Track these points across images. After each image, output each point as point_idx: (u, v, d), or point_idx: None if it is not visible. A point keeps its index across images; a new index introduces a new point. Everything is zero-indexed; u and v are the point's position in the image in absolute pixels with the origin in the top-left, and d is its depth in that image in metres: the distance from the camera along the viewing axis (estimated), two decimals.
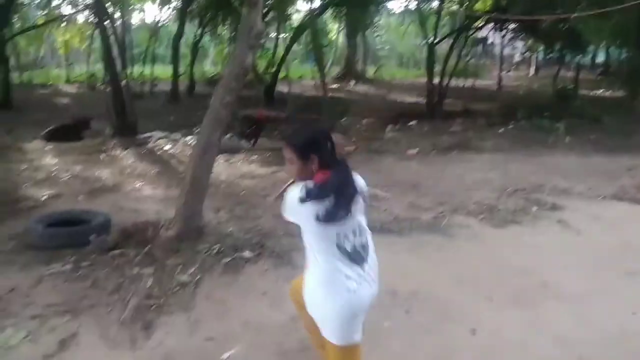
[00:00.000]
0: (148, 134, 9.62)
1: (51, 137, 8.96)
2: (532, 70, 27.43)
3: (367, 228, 1.97)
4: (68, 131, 9.29)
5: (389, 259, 3.83)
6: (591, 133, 9.62)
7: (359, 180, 1.99)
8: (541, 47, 22.18)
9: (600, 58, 28.64)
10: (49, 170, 6.82)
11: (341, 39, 27.39)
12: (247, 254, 3.90)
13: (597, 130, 9.96)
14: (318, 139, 1.92)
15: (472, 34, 17.70)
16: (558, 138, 9.05)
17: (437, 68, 15.28)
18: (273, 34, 19.65)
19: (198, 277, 3.52)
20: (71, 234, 4.07)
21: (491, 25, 17.66)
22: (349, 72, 24.44)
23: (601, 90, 17.98)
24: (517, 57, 33.28)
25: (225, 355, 2.68)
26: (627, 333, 2.88)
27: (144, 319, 2.98)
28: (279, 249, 3.98)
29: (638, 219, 4.84)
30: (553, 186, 5.86)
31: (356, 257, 1.88)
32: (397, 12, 28.82)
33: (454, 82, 16.56)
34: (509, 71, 25.28)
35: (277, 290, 3.36)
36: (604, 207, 5.16)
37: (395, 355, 2.69)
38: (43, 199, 5.45)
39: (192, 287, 3.39)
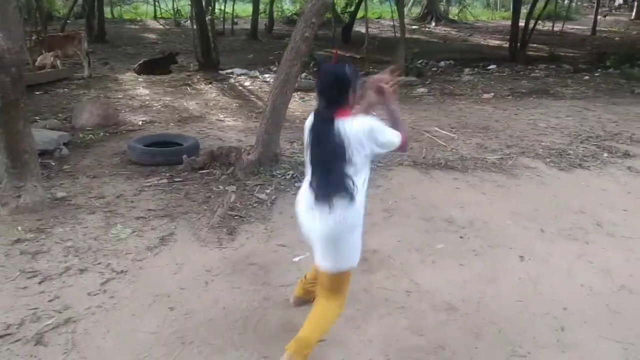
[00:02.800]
0: (229, 70, 10.13)
1: (142, 69, 9.69)
2: (633, 15, 25.00)
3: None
4: (157, 65, 9.98)
5: (449, 192, 4.11)
6: None
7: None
8: None
9: None
10: (143, 100, 7.50)
11: None
12: None
13: None
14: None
15: None
16: None
17: (526, 10, 14.47)
18: None
19: (274, 196, 3.95)
20: (166, 154, 4.63)
21: None
22: (431, 12, 23.54)
23: None
24: (618, 0, 30.38)
25: (296, 258, 3.10)
26: None
27: (228, 225, 3.47)
28: None
29: None
30: (630, 135, 5.71)
31: None
32: None
33: (545, 26, 15.64)
34: (606, 15, 23.22)
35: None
36: None
37: (444, 270, 3.00)
38: (140, 123, 6.10)
39: (268, 203, 3.83)
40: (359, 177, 2.01)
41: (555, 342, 2.41)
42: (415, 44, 13.63)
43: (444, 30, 20.54)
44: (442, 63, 11.73)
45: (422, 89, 8.73)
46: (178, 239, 3.30)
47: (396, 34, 11.44)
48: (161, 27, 19.30)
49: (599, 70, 10.63)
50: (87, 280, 2.80)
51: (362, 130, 1.95)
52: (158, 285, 2.78)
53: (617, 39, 17.41)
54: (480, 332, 2.47)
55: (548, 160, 4.83)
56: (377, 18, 22.24)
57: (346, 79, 1.99)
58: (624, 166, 4.70)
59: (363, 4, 15.26)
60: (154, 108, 6.99)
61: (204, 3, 10.47)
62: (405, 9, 18.81)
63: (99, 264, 2.97)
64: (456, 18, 24.44)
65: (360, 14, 16.72)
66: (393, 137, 2.06)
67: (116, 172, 4.45)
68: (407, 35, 13.27)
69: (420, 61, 11.53)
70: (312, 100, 7.81)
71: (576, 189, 4.21)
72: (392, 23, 17.34)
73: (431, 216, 3.67)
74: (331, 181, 1.97)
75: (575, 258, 3.12)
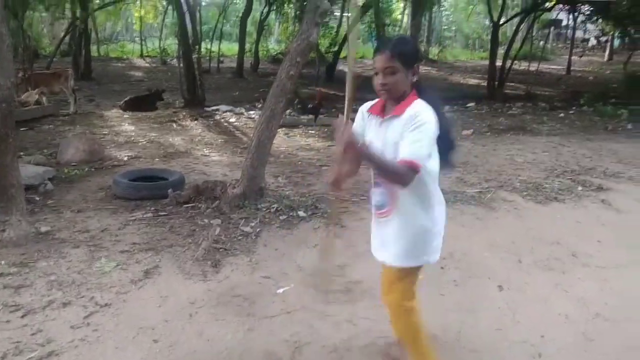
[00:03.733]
0: (215, 107, 10.30)
1: (128, 106, 9.80)
2: (606, 56, 26.09)
3: None
4: (143, 101, 10.11)
5: None
6: None
7: None
8: (617, 31, 21.11)
9: None
10: (128, 135, 7.58)
11: (406, 19, 27.14)
12: (301, 213, 4.34)
13: None
14: (419, 49, 2.13)
15: (540, 15, 17.21)
16: (619, 124, 8.89)
17: (503, 50, 15.04)
18: (337, 13, 19.86)
19: (259, 229, 4.01)
20: (151, 188, 4.68)
21: (565, 6, 17.06)
22: None
23: None
24: (592, 41, 31.68)
25: (280, 290, 3.15)
26: None
27: (213, 258, 3.50)
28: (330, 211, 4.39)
29: None
30: (603, 170, 5.92)
31: None
32: None
33: (522, 65, 16.23)
34: (581, 56, 24.19)
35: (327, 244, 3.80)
36: None
37: (425, 302, 3.05)
38: (125, 159, 6.15)
39: (253, 236, 3.88)
40: None
41: None
42: None
43: (425, 70, 21.12)
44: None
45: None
46: (162, 272, 3.32)
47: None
48: (147, 65, 19.58)
49: (574, 108, 11.04)
50: (70, 314, 2.80)
51: None
52: (142, 317, 2.79)
53: (590, 78, 18.11)
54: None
55: (525, 193, 4.98)
56: (360, 57, 22.83)
57: None
58: (598, 199, 4.87)
59: (346, 43, 15.71)
60: (140, 144, 7.06)
61: (190, 42, 10.71)
62: None
63: (82, 297, 2.97)
64: (436, 58, 25.22)
65: (343, 53, 17.19)
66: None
67: (101, 206, 4.48)
68: None
69: None
70: (297, 136, 7.97)
71: (552, 221, 4.35)
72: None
73: None
74: None
75: (552, 288, 3.22)
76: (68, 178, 5.25)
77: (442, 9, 29.05)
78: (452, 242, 3.84)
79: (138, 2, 22.72)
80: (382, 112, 2.06)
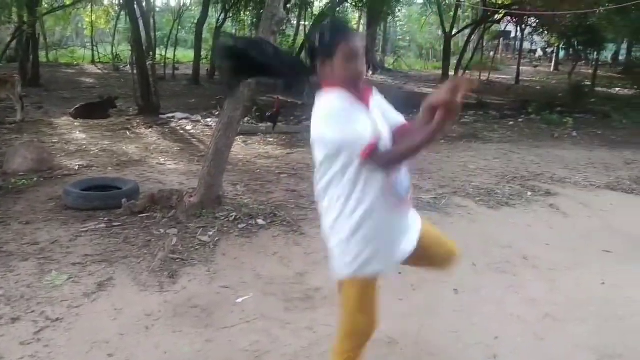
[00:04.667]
0: (170, 115, 10.11)
1: (79, 113, 9.48)
2: (552, 66, 27.32)
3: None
4: (95, 109, 9.80)
5: None
6: (599, 128, 9.87)
7: None
8: (561, 43, 22.18)
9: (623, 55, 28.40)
10: (79, 144, 7.33)
11: (361, 29, 27.57)
12: (260, 221, 4.33)
13: (605, 126, 10.20)
14: None
15: (490, 27, 17.86)
16: (565, 132, 9.32)
17: (455, 60, 15.51)
18: (294, 21, 19.96)
19: (217, 238, 3.96)
20: (104, 198, 4.54)
21: (513, 19, 17.79)
22: (368, 62, 24.58)
23: (619, 88, 17.98)
24: (538, 53, 33.11)
25: (240, 299, 3.12)
26: (593, 299, 3.25)
27: (170, 269, 3.43)
28: (290, 219, 4.39)
29: (625, 206, 5.17)
30: (551, 175, 6.18)
31: None
32: (418, 3, 28.95)
33: (473, 75, 16.75)
34: (536, 66, 25.24)
35: (287, 251, 3.80)
36: (596, 195, 5.48)
37: (384, 305, 3.10)
38: (76, 168, 5.95)
39: (211, 246, 3.83)
40: None
41: None
42: None
43: (381, 79, 21.49)
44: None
45: None
46: (117, 284, 3.23)
47: None
48: (99, 71, 19.04)
49: (523, 116, 11.48)
50: (19, 330, 2.68)
51: None
52: (96, 331, 2.70)
53: (538, 87, 18.89)
54: None
55: (478, 199, 5.14)
56: None
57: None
58: (546, 204, 5.08)
59: (304, 51, 15.80)
60: (92, 152, 6.85)
61: (144, 48, 10.50)
62: None
63: (32, 312, 2.85)
64: (392, 67, 25.71)
65: None
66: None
67: (51, 217, 4.31)
68: None
69: None
70: (255, 144, 7.94)
71: (503, 225, 4.50)
72: None
73: None
74: None
75: (504, 290, 3.33)
76: (15, 188, 5.02)
77: (397, 19, 29.70)
78: None
79: (89, 7, 22.09)
80: (358, 100, 1.82)
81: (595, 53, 18.78)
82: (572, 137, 9.17)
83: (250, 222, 4.30)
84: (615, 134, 9.46)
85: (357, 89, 1.82)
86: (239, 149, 7.32)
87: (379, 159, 1.70)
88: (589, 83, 16.56)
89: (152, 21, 11.21)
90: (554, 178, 6.08)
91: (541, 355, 2.66)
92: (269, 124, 8.95)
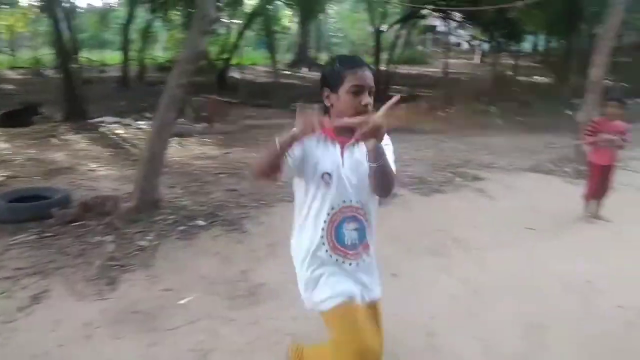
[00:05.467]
0: (99, 119, 9.76)
1: (0, 122, 8.96)
2: (477, 58, 28.55)
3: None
4: (17, 117, 9.30)
5: None
6: (521, 115, 10.50)
7: None
8: (485, 36, 23.22)
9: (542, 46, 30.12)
10: (2, 154, 6.94)
11: (294, 26, 27.66)
12: (200, 222, 4.30)
13: (526, 113, 10.85)
14: None
15: (417, 23, 18.45)
16: (491, 120, 9.85)
17: (387, 55, 15.91)
18: (226, 20, 19.72)
19: (156, 242, 3.90)
20: (33, 208, 4.34)
21: (440, 14, 18.45)
22: (302, 58, 24.83)
23: (538, 77, 19.10)
24: (464, 45, 34.48)
25: (183, 301, 3.11)
26: (519, 275, 3.51)
27: (108, 276, 3.36)
28: (231, 218, 4.39)
29: (545, 186, 5.57)
30: (479, 161, 6.54)
31: None
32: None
33: (405, 70, 17.29)
34: (470, 59, 26.24)
35: (229, 251, 3.81)
36: (519, 177, 5.87)
37: None
38: (0, 179, 5.64)
39: (150, 250, 3.77)
40: None
41: (426, 346, 2.70)
42: (290, 88, 14.25)
43: (315, 75, 21.71)
44: (316, 105, 12.38)
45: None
46: (53, 295, 3.12)
47: (270, 79, 11.91)
48: (20, 77, 17.99)
49: (453, 107, 11.99)
50: None
51: None
52: (34, 345, 2.62)
53: (464, 78, 19.71)
54: None
55: (412, 187, 5.35)
56: (251, 64, 22.86)
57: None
58: (474, 188, 5.38)
59: (237, 50, 15.69)
60: (16, 162, 6.50)
61: (68, 50, 10.05)
62: (278, 56, 19.62)
63: None
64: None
65: (234, 60, 17.13)
66: None
67: None
68: (282, 80, 13.89)
69: (295, 104, 12.08)
70: (191, 145, 7.83)
71: (435, 210, 4.73)
72: (265, 69, 17.96)
73: None
74: None
75: (439, 271, 3.52)
76: None
77: (329, 16, 30.03)
78: None
79: (6, 10, 20.79)
80: (335, 135, 1.83)
81: (516, 44, 19.79)
82: (497, 124, 9.71)
83: (189, 223, 4.26)
84: (536, 120, 10.10)
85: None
86: (175, 150, 7.19)
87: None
88: (511, 73, 17.48)
89: (74, 23, 10.72)
90: (481, 164, 6.44)
91: (473, 330, 2.85)
92: (205, 124, 8.85)
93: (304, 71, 23.00)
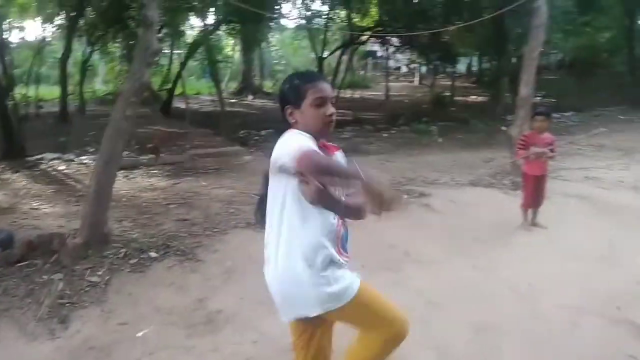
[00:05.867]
0: (39, 156, 9.41)
1: None
2: (416, 80, 29.69)
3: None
4: None
5: None
6: (460, 133, 11.02)
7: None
8: (422, 60, 24.25)
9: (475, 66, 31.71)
10: None
11: (237, 55, 27.83)
12: (152, 254, 4.24)
13: (465, 131, 11.40)
14: None
15: (357, 48, 19.07)
16: (432, 139, 10.28)
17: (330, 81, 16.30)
18: (167, 50, 19.61)
19: (108, 277, 3.82)
20: None
21: (378, 40, 19.14)
22: (247, 86, 24.95)
23: (474, 96, 20.11)
24: (403, 69, 35.79)
25: (140, 333, 3.06)
26: (468, 282, 3.69)
27: (59, 314, 3.26)
28: (183, 248, 4.36)
29: (486, 199, 5.87)
30: (423, 178, 6.82)
31: None
32: (290, 28, 29.90)
33: (347, 94, 17.73)
34: (411, 81, 27.17)
35: (183, 280, 3.79)
36: (461, 192, 6.16)
37: None
38: None
39: (102, 285, 3.69)
40: None
41: None
42: (236, 116, 14.29)
43: (261, 102, 21.86)
44: (263, 132, 12.49)
45: (247, 157, 9.19)
46: (2, 338, 3.01)
47: (216, 108, 11.92)
48: None
49: (395, 128, 12.42)
50: None
51: None
52: None
53: (406, 101, 20.44)
54: None
55: None
56: (195, 94, 22.72)
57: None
58: (422, 204, 5.60)
59: (180, 80, 15.60)
60: None
61: (2, 86, 9.71)
62: (223, 84, 19.66)
63: None
64: (270, 91, 26.23)
65: (178, 90, 17.01)
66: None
67: None
68: (228, 109, 13.90)
69: (243, 131, 12.15)
70: (138, 178, 7.70)
71: (385, 227, 4.86)
72: (210, 98, 17.93)
73: None
74: None
75: (392, 284, 3.63)
76: None
77: (271, 44, 30.42)
78: None
79: None
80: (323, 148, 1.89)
81: (451, 66, 20.78)
82: (438, 143, 10.14)
83: (141, 256, 4.20)
84: (474, 137, 10.62)
85: (325, 137, 1.88)
86: (121, 183, 7.05)
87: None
88: (448, 94, 18.31)
89: (8, 58, 10.39)
90: (426, 181, 6.71)
91: (427, 338, 2.97)
92: (151, 155, 8.73)
93: (250, 99, 23.12)
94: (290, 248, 1.83)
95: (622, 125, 12.20)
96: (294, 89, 1.82)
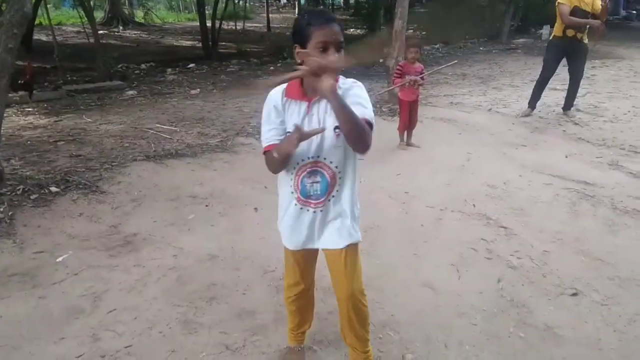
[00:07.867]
0: None
1: None
2: (296, 12, 29.57)
3: None
4: None
5: (186, 175, 4.68)
6: None
7: None
8: None
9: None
10: None
11: None
12: (53, 188, 4.24)
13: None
14: None
15: None
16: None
17: (209, 11, 15.76)
18: None
19: (10, 212, 3.80)
20: None
21: None
22: (116, 16, 23.09)
23: (352, 29, 20.71)
24: (283, 0, 35.28)
25: (60, 259, 3.22)
26: None
27: None
28: (84, 182, 4.40)
29: None
30: None
31: None
32: None
33: (229, 25, 17.29)
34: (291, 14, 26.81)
35: (93, 210, 3.91)
36: None
37: (199, 233, 3.59)
38: None
39: (7, 220, 3.69)
40: None
41: None
42: (111, 49, 13.43)
43: (134, 34, 20.54)
44: (143, 65, 11.99)
45: (131, 92, 8.92)
46: None
47: (89, 40, 11.13)
48: None
49: (280, 61, 12.61)
50: None
51: None
52: None
53: (287, 33, 20.47)
54: (238, 266, 3.16)
55: (257, 136, 5.83)
56: (56, 24, 20.60)
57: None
58: None
59: (41, 9, 14.09)
60: None
61: None
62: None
63: None
64: (143, 21, 24.57)
65: (38, 20, 15.37)
66: None
67: None
68: (102, 41, 12.96)
69: (120, 65, 11.56)
70: (13, 116, 7.20)
71: None
72: (75, 29, 16.44)
73: (176, 196, 4.19)
74: None
75: None
76: None
77: None
78: (210, 184, 4.44)
79: None
80: (303, 95, 1.81)
81: None
82: None
83: (42, 191, 4.18)
84: (354, 69, 11.19)
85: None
86: (9, 121, 6.62)
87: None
88: None
89: None
90: None
91: None
92: (24, 92, 8.12)
93: (120, 30, 21.54)
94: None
95: (482, 56, 13.61)
96: (302, 29, 1.72)
